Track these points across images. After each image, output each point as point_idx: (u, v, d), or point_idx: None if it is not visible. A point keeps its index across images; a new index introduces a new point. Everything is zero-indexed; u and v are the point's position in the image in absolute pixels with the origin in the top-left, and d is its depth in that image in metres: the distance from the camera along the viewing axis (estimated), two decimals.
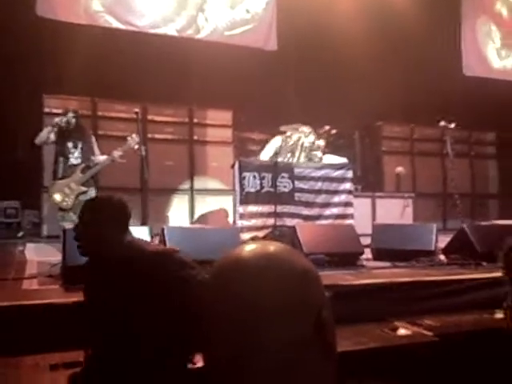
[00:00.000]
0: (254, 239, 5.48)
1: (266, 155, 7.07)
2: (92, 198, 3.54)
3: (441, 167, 9.32)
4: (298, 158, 7.06)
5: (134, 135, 5.72)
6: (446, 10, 9.79)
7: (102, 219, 2.08)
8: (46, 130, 5.57)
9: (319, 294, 0.75)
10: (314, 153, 7.15)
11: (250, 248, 0.76)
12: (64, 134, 5.52)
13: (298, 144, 7.11)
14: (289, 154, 7.07)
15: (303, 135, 7.16)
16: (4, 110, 7.09)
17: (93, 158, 5.67)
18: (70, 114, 5.55)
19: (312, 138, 7.20)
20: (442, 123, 7.03)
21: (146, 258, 2.01)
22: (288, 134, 7.19)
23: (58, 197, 5.46)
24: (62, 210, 5.49)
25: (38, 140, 5.58)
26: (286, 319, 0.70)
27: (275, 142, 7.15)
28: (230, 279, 0.72)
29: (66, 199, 5.46)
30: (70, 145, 5.58)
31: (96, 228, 2.07)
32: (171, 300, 1.86)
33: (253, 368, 0.69)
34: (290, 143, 7.11)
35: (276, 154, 6.95)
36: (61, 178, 5.55)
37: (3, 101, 7.06)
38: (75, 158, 5.59)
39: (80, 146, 5.62)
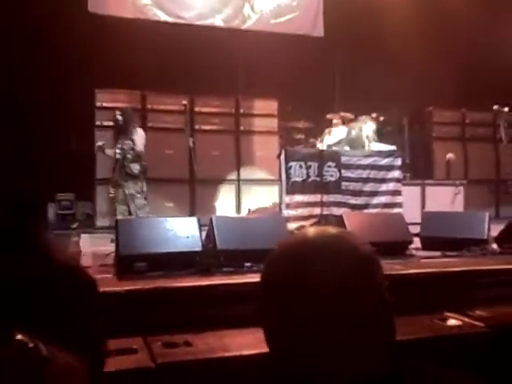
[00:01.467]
0: (299, 229, 5.49)
1: (329, 142, 7.06)
2: None
3: (493, 153, 9.02)
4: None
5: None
6: None
7: None
8: None
9: (382, 275, 0.79)
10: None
11: (317, 232, 0.79)
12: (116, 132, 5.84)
13: (362, 135, 7.03)
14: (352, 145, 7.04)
15: (363, 125, 7.08)
16: (58, 104, 7.35)
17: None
18: (117, 112, 5.87)
19: (372, 125, 7.10)
20: (495, 107, 6.80)
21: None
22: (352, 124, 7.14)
23: (111, 190, 5.77)
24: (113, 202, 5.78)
25: None
26: (356, 296, 0.74)
27: (340, 132, 7.10)
28: (301, 260, 0.75)
29: (113, 192, 5.82)
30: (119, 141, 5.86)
31: None
32: None
33: (320, 342, 0.72)
34: (353, 134, 7.05)
35: (339, 143, 6.92)
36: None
37: (57, 95, 7.33)
38: (118, 153, 5.94)
39: (122, 141, 5.94)
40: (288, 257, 0.77)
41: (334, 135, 7.21)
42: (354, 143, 7.01)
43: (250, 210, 7.48)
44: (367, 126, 7.06)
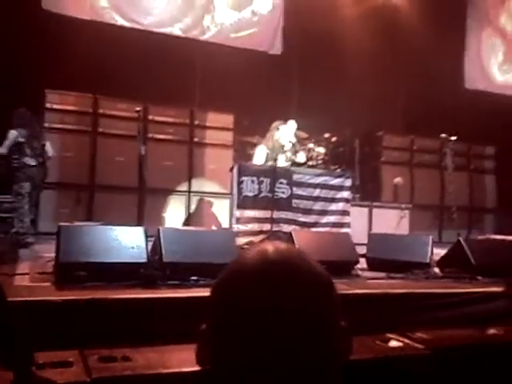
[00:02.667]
0: (249, 244, 5.46)
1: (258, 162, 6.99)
2: None
3: (439, 179, 9.33)
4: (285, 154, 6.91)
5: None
6: (450, 22, 9.80)
7: None
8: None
9: (337, 295, 0.77)
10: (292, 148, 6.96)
11: (276, 249, 0.76)
12: None
13: (276, 143, 6.91)
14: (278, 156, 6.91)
15: (275, 132, 6.92)
16: (5, 103, 7.07)
17: None
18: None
19: (285, 130, 6.95)
20: (443, 135, 7.02)
21: None
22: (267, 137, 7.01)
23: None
24: None
25: None
26: (315, 316, 0.71)
27: (261, 151, 7.01)
28: (263, 279, 0.72)
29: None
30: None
31: None
32: None
33: (273, 363, 0.69)
34: (271, 146, 6.93)
35: (267, 160, 6.85)
36: None
37: (4, 94, 7.04)
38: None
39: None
40: (248, 274, 0.73)
41: (259, 155, 7.04)
42: (275, 146, 6.91)
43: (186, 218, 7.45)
44: (280, 133, 6.93)
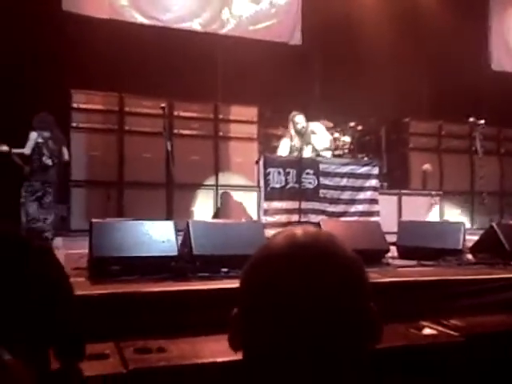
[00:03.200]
0: None
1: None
2: None
3: (469, 165, 9.15)
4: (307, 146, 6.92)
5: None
6: (473, 4, 9.59)
7: None
8: None
9: (368, 279, 0.76)
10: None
11: (306, 232, 0.76)
12: None
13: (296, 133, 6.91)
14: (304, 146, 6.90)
15: (291, 123, 6.92)
16: (33, 104, 7.21)
17: None
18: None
19: (302, 119, 6.93)
20: (471, 119, 6.89)
21: None
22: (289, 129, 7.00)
23: None
24: None
25: None
26: (347, 299, 0.71)
27: (285, 143, 7.03)
28: (276, 270, 0.72)
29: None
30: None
31: None
32: None
33: (303, 349, 0.69)
34: (292, 137, 6.92)
35: (292, 151, 6.84)
36: None
37: (32, 95, 7.18)
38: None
39: None
40: (277, 258, 0.73)
41: (284, 148, 7.05)
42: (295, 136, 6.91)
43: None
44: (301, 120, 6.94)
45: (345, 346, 0.70)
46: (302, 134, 6.85)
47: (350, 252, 0.75)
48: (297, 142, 6.84)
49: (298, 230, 0.76)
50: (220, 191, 7.84)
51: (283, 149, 6.92)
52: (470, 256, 4.87)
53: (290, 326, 0.69)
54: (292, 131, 6.89)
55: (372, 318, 0.74)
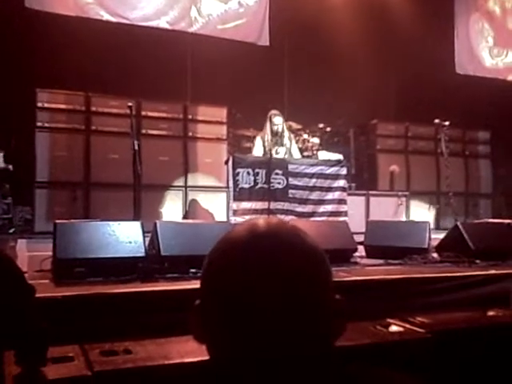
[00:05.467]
0: None
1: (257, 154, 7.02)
2: None
3: (435, 166, 9.33)
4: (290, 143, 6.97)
5: None
6: (439, 8, 9.79)
7: None
8: None
9: (330, 269, 0.75)
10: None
11: (267, 223, 0.75)
12: None
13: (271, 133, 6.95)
14: (277, 147, 6.94)
15: (268, 122, 6.99)
16: None
17: None
18: None
19: (280, 120, 7.00)
20: (437, 121, 7.03)
21: None
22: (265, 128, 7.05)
23: None
24: None
25: None
26: (308, 289, 0.70)
27: (258, 142, 7.06)
28: (235, 259, 0.71)
29: None
30: None
31: None
32: None
33: (268, 343, 0.68)
34: (266, 136, 6.97)
35: (265, 151, 6.87)
36: None
37: None
38: None
39: None
40: (236, 247, 0.72)
41: (258, 148, 7.10)
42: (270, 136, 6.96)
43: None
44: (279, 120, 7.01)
45: (303, 334, 0.69)
46: (277, 136, 6.87)
47: (311, 242, 0.74)
48: (269, 141, 6.86)
49: (261, 221, 0.75)
50: (190, 196, 7.77)
51: (258, 146, 6.94)
52: (435, 255, 4.96)
53: (247, 315, 0.68)
54: (268, 130, 6.92)
55: (335, 306, 0.73)
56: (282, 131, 6.93)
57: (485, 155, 10.20)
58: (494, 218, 8.85)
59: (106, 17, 7.98)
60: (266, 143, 6.85)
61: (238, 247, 0.71)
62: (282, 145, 6.95)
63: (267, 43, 8.96)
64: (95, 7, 7.93)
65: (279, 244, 0.71)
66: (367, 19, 8.97)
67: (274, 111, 7.03)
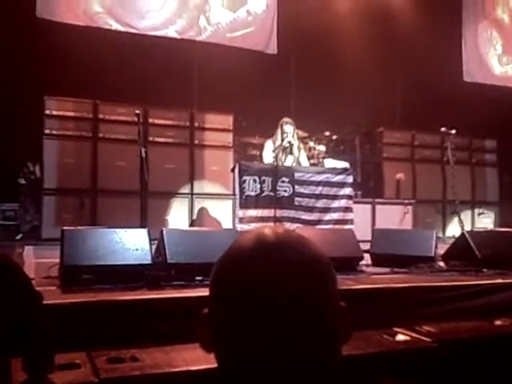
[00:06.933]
0: None
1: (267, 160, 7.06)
2: None
3: (441, 174, 9.31)
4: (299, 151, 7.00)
5: None
6: (447, 16, 9.80)
7: None
8: None
9: (335, 278, 0.77)
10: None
11: (274, 232, 0.76)
12: None
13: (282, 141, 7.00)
14: (285, 155, 6.98)
15: (279, 129, 7.04)
16: (4, 112, 7.09)
17: None
18: None
19: (291, 129, 7.04)
20: (443, 129, 7.03)
21: None
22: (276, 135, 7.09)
23: None
24: None
25: None
26: (313, 298, 0.71)
27: (268, 148, 7.11)
28: (243, 269, 0.72)
29: None
30: None
31: None
32: None
33: (272, 347, 0.69)
34: (277, 144, 7.02)
35: (275, 156, 6.90)
36: None
37: (3, 103, 7.07)
38: None
39: None
40: (244, 256, 0.73)
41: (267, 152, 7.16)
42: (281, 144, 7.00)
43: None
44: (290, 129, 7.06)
45: (311, 342, 0.70)
46: (287, 144, 6.91)
47: (317, 253, 0.75)
48: (278, 148, 6.90)
49: (268, 230, 0.77)
50: (196, 203, 7.79)
51: (267, 151, 6.99)
52: (441, 263, 4.94)
53: (256, 323, 0.69)
54: (278, 136, 6.96)
55: (341, 314, 0.75)
56: (292, 140, 6.96)
57: (491, 163, 10.18)
58: (499, 226, 8.81)
59: (115, 26, 8.05)
60: (276, 150, 6.89)
61: (245, 256, 0.73)
62: (291, 153, 6.98)
63: (275, 51, 9.00)
64: (104, 17, 8.00)
65: (286, 253, 0.72)
66: (374, 27, 9.00)
67: (286, 119, 7.07)
